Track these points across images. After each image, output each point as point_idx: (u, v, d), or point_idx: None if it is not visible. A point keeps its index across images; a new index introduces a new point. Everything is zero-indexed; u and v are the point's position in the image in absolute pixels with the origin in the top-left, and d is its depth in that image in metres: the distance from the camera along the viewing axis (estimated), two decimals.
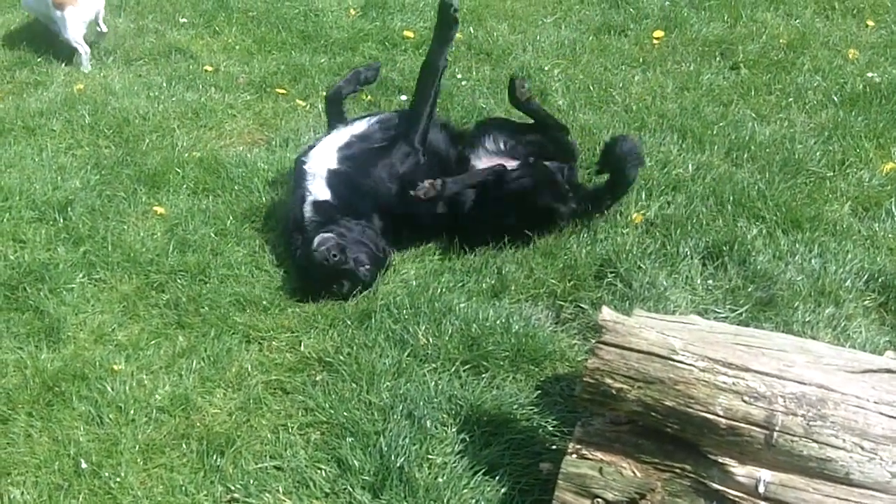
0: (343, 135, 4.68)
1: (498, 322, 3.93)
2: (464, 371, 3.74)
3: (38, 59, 6.33)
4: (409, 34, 6.58)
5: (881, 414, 2.67)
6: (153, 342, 3.94)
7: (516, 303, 4.13)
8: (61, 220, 4.61)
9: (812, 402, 2.70)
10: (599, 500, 2.91)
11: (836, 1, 6.86)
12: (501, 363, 3.77)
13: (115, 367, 3.78)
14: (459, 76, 6.00)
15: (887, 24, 6.50)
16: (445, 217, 4.51)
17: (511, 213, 4.47)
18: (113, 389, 3.66)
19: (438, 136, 4.74)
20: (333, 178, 4.51)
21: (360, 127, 4.74)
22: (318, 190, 4.48)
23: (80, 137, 5.38)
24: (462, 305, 4.04)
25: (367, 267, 4.24)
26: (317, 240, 4.21)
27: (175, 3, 7.18)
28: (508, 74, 5.92)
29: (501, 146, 4.79)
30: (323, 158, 4.57)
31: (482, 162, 4.69)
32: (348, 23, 6.83)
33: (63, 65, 6.27)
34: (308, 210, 4.42)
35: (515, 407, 3.56)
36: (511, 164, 4.63)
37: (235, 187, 4.89)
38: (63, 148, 5.29)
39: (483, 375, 3.72)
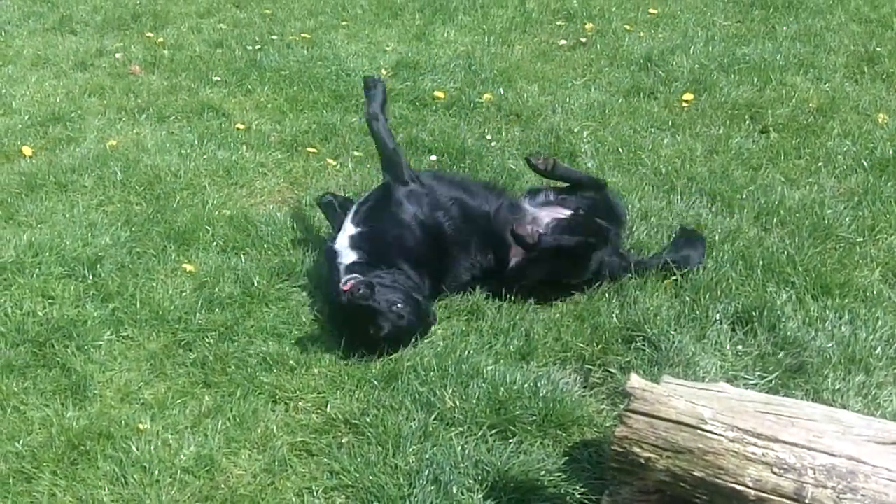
0: (352, 210, 4.77)
1: (525, 386, 3.91)
2: (491, 435, 3.71)
3: (72, 115, 6.40)
4: (440, 94, 6.64)
5: None
6: (179, 401, 3.93)
7: (544, 366, 4.10)
8: (91, 277, 4.64)
9: (842, 475, 2.66)
10: None
11: (866, 65, 6.88)
12: (529, 428, 3.74)
13: (141, 427, 3.77)
14: (489, 137, 6.04)
15: None
16: (486, 267, 4.56)
17: (560, 267, 4.49)
18: (138, 449, 3.64)
19: (473, 197, 4.75)
20: (356, 241, 4.56)
21: (362, 197, 4.86)
22: (347, 258, 4.51)
23: (112, 194, 5.43)
24: (489, 368, 4.02)
25: (400, 306, 4.18)
26: (342, 280, 4.23)
27: (208, 62, 7.28)
28: (538, 136, 5.97)
29: (551, 197, 4.84)
30: (343, 233, 4.64)
31: (539, 213, 4.73)
32: None
33: (97, 120, 6.35)
34: (342, 278, 4.40)
35: (543, 473, 3.52)
36: (563, 213, 4.68)
37: (265, 246, 4.91)
38: (94, 204, 5.33)
39: (510, 440, 3.69)
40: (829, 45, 7.27)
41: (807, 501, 2.66)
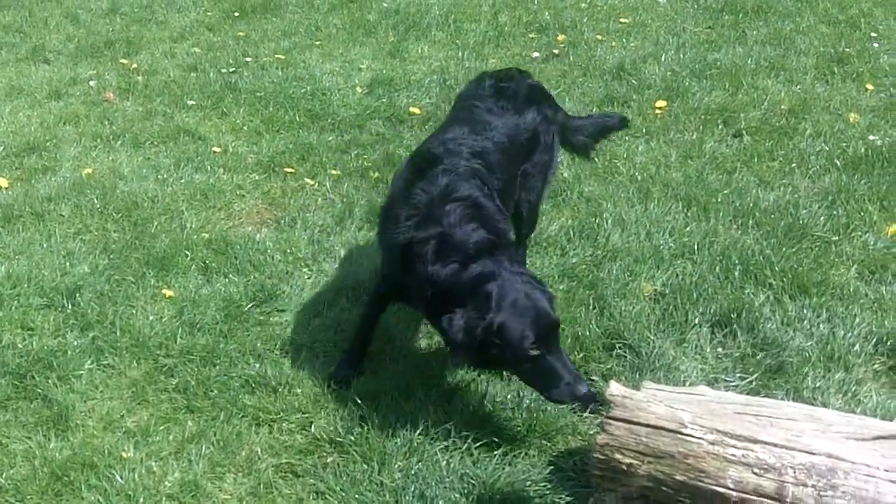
0: None
1: (509, 397, 3.92)
2: (476, 448, 3.70)
3: (47, 145, 6.38)
4: (416, 110, 6.66)
5: (892, 482, 2.65)
6: (162, 428, 3.92)
7: None
8: (70, 306, 4.62)
9: (822, 472, 2.68)
10: None
11: (835, 66, 6.95)
12: (514, 439, 3.74)
13: (124, 455, 3.76)
14: None
15: (886, 88, 6.59)
16: None
17: None
18: (122, 478, 3.63)
19: None
20: None
21: None
22: None
23: (89, 222, 5.41)
24: (473, 381, 4.03)
25: None
26: None
27: (183, 86, 7.28)
28: None
29: None
30: None
31: None
32: (355, 100, 6.91)
33: (72, 149, 6.32)
34: None
35: (528, 484, 3.53)
36: None
37: (244, 268, 4.91)
38: (72, 233, 5.31)
39: (495, 452, 3.69)
40: (798, 48, 7.33)
41: (788, 500, 2.67)
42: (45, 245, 5.18)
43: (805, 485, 2.66)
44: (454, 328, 3.52)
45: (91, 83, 7.43)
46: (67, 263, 4.97)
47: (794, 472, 2.68)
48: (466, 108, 4.49)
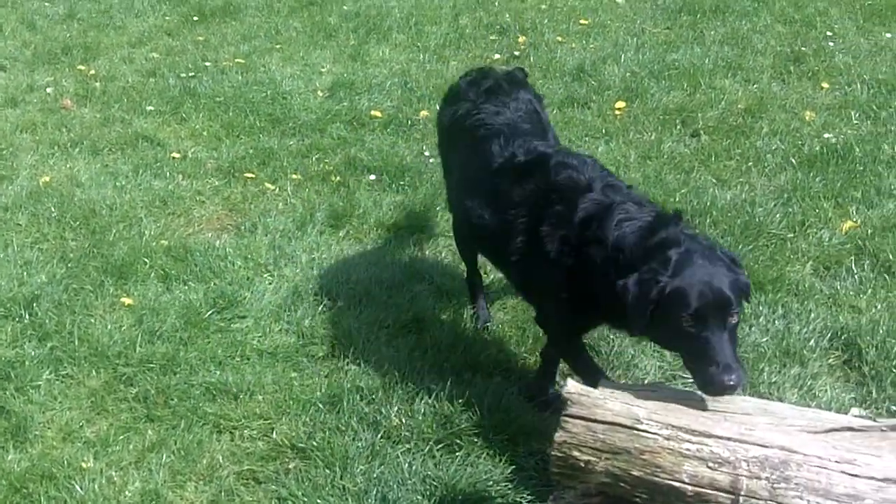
0: None
1: (470, 398, 3.93)
2: (437, 450, 3.72)
3: (3, 153, 6.32)
4: (377, 113, 6.66)
5: (843, 473, 2.69)
6: (122, 437, 3.89)
7: (488, 378, 4.12)
8: (27, 317, 4.58)
9: (775, 465, 2.71)
10: None
11: (792, 65, 7.03)
12: (475, 440, 3.76)
13: (84, 465, 3.73)
14: (427, 153, 6.07)
15: (841, 86, 6.67)
16: None
17: None
18: (82, 488, 3.60)
19: None
20: None
21: None
22: None
23: (47, 231, 5.37)
24: (434, 383, 4.03)
25: None
26: None
27: (141, 92, 7.24)
28: None
29: None
30: None
31: None
32: (316, 104, 6.90)
33: (29, 157, 6.27)
34: None
35: (490, 484, 3.55)
36: None
37: (204, 274, 4.89)
38: (29, 242, 5.26)
39: (457, 454, 3.71)
40: (755, 47, 7.41)
41: (742, 493, 2.70)
42: (1, 255, 5.13)
43: (759, 477, 2.69)
44: (629, 291, 3.23)
45: (48, 90, 7.37)
46: (24, 273, 4.93)
47: (748, 465, 2.71)
48: (496, 116, 4.23)
